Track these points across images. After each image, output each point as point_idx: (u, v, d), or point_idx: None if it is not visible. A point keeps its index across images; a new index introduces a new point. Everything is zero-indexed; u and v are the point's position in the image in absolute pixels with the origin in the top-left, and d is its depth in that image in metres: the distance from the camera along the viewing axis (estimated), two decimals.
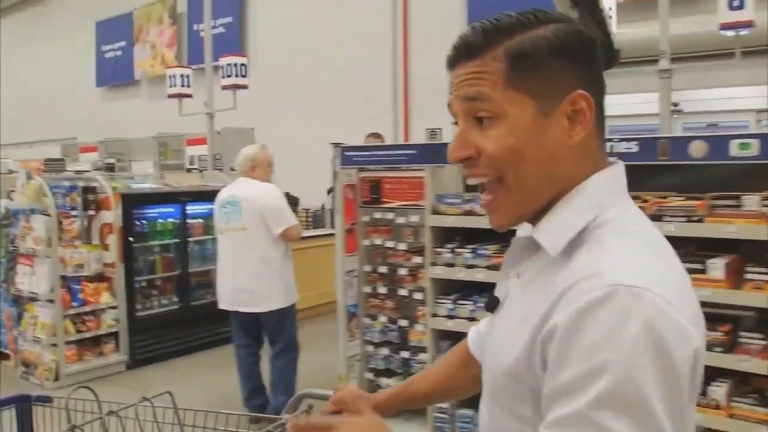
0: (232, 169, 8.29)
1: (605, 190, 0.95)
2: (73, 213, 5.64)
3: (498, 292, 1.08)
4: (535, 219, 0.97)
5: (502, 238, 3.00)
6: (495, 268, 3.33)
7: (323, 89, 10.19)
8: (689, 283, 0.92)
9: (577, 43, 0.93)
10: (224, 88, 7.56)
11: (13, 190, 6.97)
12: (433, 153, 3.61)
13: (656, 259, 0.89)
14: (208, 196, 6.46)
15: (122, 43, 14.48)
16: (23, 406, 1.65)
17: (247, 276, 4.28)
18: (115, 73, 14.77)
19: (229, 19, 12.07)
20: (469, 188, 3.59)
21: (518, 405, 0.92)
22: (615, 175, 0.97)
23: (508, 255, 1.06)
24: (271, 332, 4.46)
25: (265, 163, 4.46)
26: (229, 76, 7.57)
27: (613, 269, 0.83)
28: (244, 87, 7.66)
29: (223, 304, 4.46)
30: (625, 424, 0.75)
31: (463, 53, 0.95)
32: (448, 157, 0.98)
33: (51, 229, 5.40)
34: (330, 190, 8.86)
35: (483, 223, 2.43)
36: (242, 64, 7.69)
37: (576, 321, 0.80)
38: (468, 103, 0.94)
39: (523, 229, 1.03)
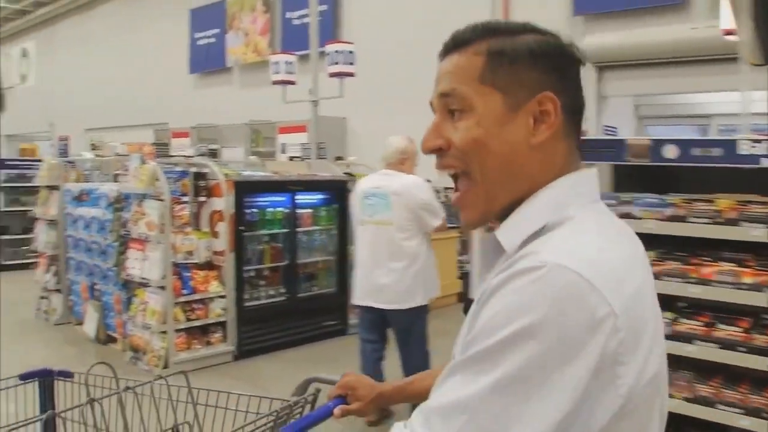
0: (339, 158, 8.21)
1: (569, 193, 0.97)
2: (184, 199, 5.55)
3: (474, 295, 1.10)
4: (502, 219, 1.00)
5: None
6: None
7: (419, 80, 9.91)
8: (639, 281, 0.90)
9: (555, 54, 0.98)
10: (331, 75, 7.38)
11: (119, 173, 6.98)
12: None
13: (601, 250, 0.89)
14: (318, 185, 6.34)
15: (215, 31, 14.56)
16: (46, 380, 1.72)
17: (388, 272, 4.07)
18: (207, 60, 14.86)
19: (324, 7, 11.93)
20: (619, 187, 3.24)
21: None
22: (582, 179, 1.00)
23: (481, 258, 1.15)
24: (404, 329, 4.24)
25: (414, 155, 4.26)
26: (335, 63, 7.39)
27: (551, 250, 0.86)
28: (351, 75, 7.46)
29: (358, 298, 4.27)
30: (491, 383, 0.80)
31: (450, 45, 1.01)
32: (421, 147, 1.03)
33: (164, 214, 5.30)
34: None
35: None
36: (350, 51, 7.49)
37: (500, 283, 0.85)
38: (443, 98, 1.00)
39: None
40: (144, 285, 5.48)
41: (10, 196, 9.95)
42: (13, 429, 1.36)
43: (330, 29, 11.62)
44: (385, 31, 10.58)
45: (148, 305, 5.44)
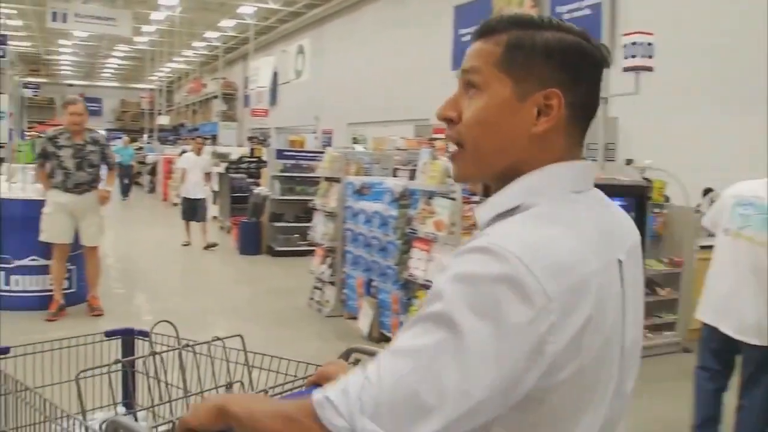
0: (629, 162, 7.40)
1: (548, 181, 1.03)
2: (474, 199, 5.14)
3: None
4: (495, 191, 1.07)
5: None
6: None
7: (718, 78, 8.70)
8: (591, 269, 0.95)
9: (571, 53, 1.05)
10: (626, 69, 6.58)
11: (399, 168, 6.81)
12: None
13: (550, 238, 0.95)
14: (616, 191, 5.60)
15: None
16: (127, 338, 1.91)
17: (753, 300, 3.29)
18: None
19: (596, 0, 11.03)
20: None
21: None
22: (567, 169, 1.05)
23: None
24: (759, 368, 3.43)
25: None
26: (633, 57, 6.57)
27: (501, 235, 0.95)
28: (649, 69, 6.60)
29: (705, 315, 3.54)
30: (433, 340, 0.90)
31: (477, 32, 1.10)
32: (436, 114, 1.11)
33: (455, 213, 4.94)
34: (707, 191, 7.46)
35: None
36: (648, 43, 6.62)
37: (456, 255, 0.96)
38: (465, 74, 1.08)
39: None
40: (427, 287, 5.17)
41: (285, 185, 10.39)
42: (90, 375, 1.55)
43: (599, 23, 10.72)
44: (662, 24, 9.45)
45: None
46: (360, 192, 6.27)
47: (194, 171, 10.40)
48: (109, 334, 1.91)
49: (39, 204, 6.22)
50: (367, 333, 5.97)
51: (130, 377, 1.80)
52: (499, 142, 1.05)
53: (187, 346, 1.68)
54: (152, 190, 20.43)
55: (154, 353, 1.67)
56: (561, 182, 1.04)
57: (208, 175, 11.11)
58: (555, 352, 0.91)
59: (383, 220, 5.81)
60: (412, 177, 6.23)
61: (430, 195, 5.22)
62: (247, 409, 1.07)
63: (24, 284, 6.32)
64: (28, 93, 38.52)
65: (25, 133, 31.10)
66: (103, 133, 6.65)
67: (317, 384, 1.38)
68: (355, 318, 6.34)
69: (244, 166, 13.25)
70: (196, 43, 31.90)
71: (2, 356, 1.71)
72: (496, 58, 1.05)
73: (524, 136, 1.04)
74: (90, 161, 6.14)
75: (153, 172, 20.39)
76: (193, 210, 10.47)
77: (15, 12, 26.92)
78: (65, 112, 6.16)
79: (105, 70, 43.62)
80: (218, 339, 1.70)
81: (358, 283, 6.28)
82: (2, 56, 23.10)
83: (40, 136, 11.71)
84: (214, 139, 25.97)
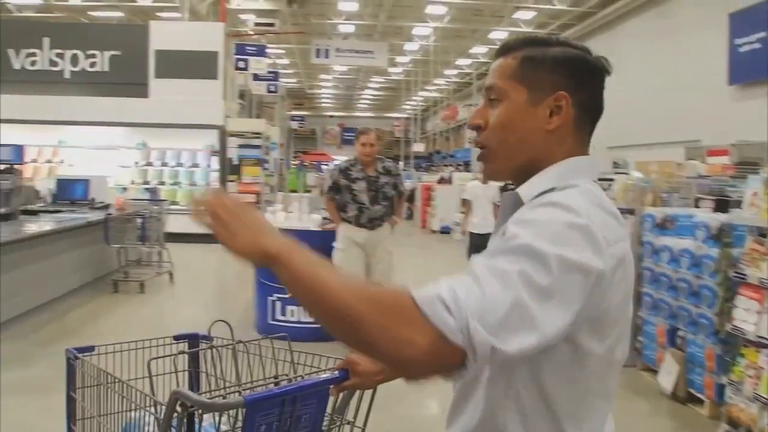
0: None
1: (574, 168, 1.25)
2: None
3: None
4: (519, 184, 1.27)
5: None
6: None
7: None
8: (626, 244, 1.17)
9: (574, 63, 1.27)
10: None
11: (701, 198, 5.89)
12: None
13: (593, 206, 1.14)
14: None
15: (761, 35, 12.48)
16: (192, 341, 2.07)
17: None
18: (751, 69, 12.84)
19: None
20: None
21: None
22: (583, 162, 1.28)
23: (499, 217, 1.30)
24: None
25: None
26: None
27: (561, 197, 1.15)
28: None
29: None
30: (527, 266, 1.03)
31: (499, 51, 1.33)
32: (467, 124, 1.44)
33: None
34: None
35: None
36: None
37: (520, 213, 1.17)
38: (486, 90, 1.32)
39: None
40: (759, 345, 4.25)
41: None
42: (161, 375, 1.77)
43: None
44: None
45: (763, 372, 4.20)
46: (662, 226, 5.47)
47: (482, 202, 9.03)
48: (178, 338, 2.07)
49: (317, 235, 6.25)
50: (670, 390, 5.13)
51: (194, 376, 2.02)
52: (518, 140, 1.27)
53: (240, 342, 1.86)
54: (410, 216, 20.78)
55: (212, 347, 1.88)
56: (584, 172, 1.26)
57: (496, 207, 10.72)
58: (607, 307, 1.12)
59: (695, 260, 4.95)
60: (720, 209, 5.32)
61: (762, 232, 4.31)
62: (311, 271, 1.05)
63: (298, 315, 6.30)
64: (294, 125, 42.12)
65: (291, 162, 33.86)
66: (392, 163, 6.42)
67: (344, 369, 1.60)
68: (652, 370, 5.52)
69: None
70: (448, 71, 32.49)
71: (88, 354, 1.90)
72: (512, 70, 1.28)
73: (540, 133, 1.26)
74: (384, 194, 5.92)
75: (411, 198, 20.86)
76: (482, 247, 10.02)
77: (284, 51, 29.46)
78: (356, 143, 5.99)
79: (361, 101, 46.32)
80: (266, 338, 1.89)
81: (658, 332, 5.45)
82: (275, 92, 25.36)
83: (304, 165, 12.50)
84: (466, 165, 26.07)
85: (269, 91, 24.32)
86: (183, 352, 1.96)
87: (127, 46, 14.46)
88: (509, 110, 1.26)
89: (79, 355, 1.87)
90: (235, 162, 14.57)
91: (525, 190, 1.24)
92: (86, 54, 14.42)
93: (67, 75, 14.41)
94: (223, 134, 14.58)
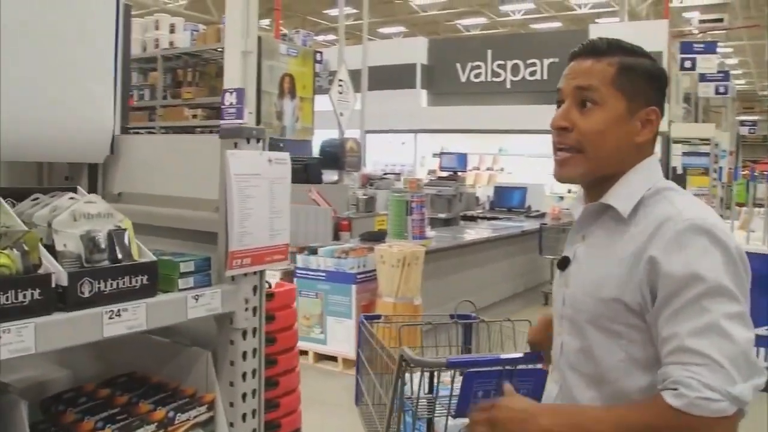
0: None
1: (654, 171, 1.38)
2: None
3: (567, 253, 1.46)
4: (591, 188, 1.41)
5: None
6: None
7: None
8: None
9: (662, 77, 1.40)
10: None
11: None
12: None
13: (704, 207, 1.32)
14: None
15: None
16: (466, 322, 2.17)
17: None
18: None
19: None
20: None
21: (611, 322, 1.31)
22: (655, 164, 1.40)
23: (578, 224, 1.44)
24: None
25: None
26: None
27: (685, 210, 1.26)
28: None
29: None
30: (733, 310, 1.20)
31: (588, 51, 1.38)
32: (551, 124, 1.38)
33: None
34: None
35: None
36: None
37: (670, 246, 1.23)
38: (580, 91, 1.35)
39: (574, 203, 1.53)
40: None
41: None
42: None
43: None
44: None
45: None
46: None
47: None
48: (453, 317, 2.15)
49: None
50: None
51: (464, 351, 2.11)
52: (613, 149, 1.35)
53: (483, 321, 2.11)
54: None
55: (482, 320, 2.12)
56: (660, 173, 1.39)
57: None
58: None
59: None
60: None
61: None
62: (575, 427, 1.24)
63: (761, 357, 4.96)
64: (744, 131, 37.65)
65: (739, 171, 30.09)
66: None
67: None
68: None
69: None
70: None
71: (376, 321, 2.14)
72: (611, 77, 1.34)
73: (631, 144, 1.36)
74: None
75: None
76: None
77: (731, 50, 26.42)
78: None
79: None
80: (508, 320, 2.10)
81: None
82: (724, 93, 22.68)
83: (755, 175, 10.53)
84: None
85: (717, 93, 21.82)
86: (453, 320, 2.12)
87: (565, 52, 14.14)
88: (609, 117, 1.34)
89: (365, 321, 2.10)
90: (679, 171, 13.18)
91: (621, 202, 1.35)
92: (526, 63, 14.57)
93: (507, 85, 14.76)
94: (667, 140, 13.34)
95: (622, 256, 1.29)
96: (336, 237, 6.57)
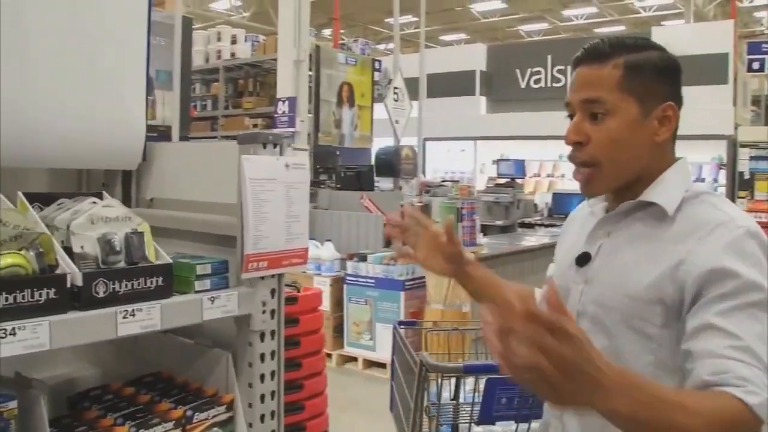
0: None
1: (688, 173, 1.37)
2: None
3: (588, 249, 1.40)
4: (619, 193, 1.37)
5: None
6: None
7: None
8: None
9: (673, 68, 1.33)
10: None
11: None
12: None
13: (746, 213, 1.33)
14: None
15: None
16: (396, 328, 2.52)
17: None
18: None
19: None
20: None
21: (644, 323, 1.26)
22: (686, 165, 1.37)
23: (602, 221, 1.39)
24: None
25: None
26: None
27: (737, 218, 1.24)
28: None
29: None
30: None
31: (591, 56, 1.32)
32: (566, 140, 1.34)
33: None
34: None
35: None
36: None
37: (725, 253, 1.20)
38: (588, 104, 1.30)
39: (595, 203, 1.46)
40: None
41: None
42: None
43: None
44: None
45: None
46: None
47: None
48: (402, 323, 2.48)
49: None
50: None
51: None
52: (631, 154, 1.31)
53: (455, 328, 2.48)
54: None
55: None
56: (690, 175, 1.38)
57: None
58: None
59: None
60: None
61: None
62: (654, 416, 1.01)
63: None
64: None
65: None
66: None
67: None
68: None
69: None
70: None
71: (407, 327, 2.47)
72: (618, 81, 1.28)
73: (650, 145, 1.31)
74: None
75: None
76: None
77: None
78: None
79: None
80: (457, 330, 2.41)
81: None
82: None
83: None
84: None
85: None
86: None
87: None
88: (623, 125, 1.29)
89: (398, 327, 2.14)
90: (747, 176, 12.65)
91: (665, 199, 1.30)
92: None
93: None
94: (733, 144, 12.86)
95: (663, 255, 1.25)
96: (387, 244, 6.60)
